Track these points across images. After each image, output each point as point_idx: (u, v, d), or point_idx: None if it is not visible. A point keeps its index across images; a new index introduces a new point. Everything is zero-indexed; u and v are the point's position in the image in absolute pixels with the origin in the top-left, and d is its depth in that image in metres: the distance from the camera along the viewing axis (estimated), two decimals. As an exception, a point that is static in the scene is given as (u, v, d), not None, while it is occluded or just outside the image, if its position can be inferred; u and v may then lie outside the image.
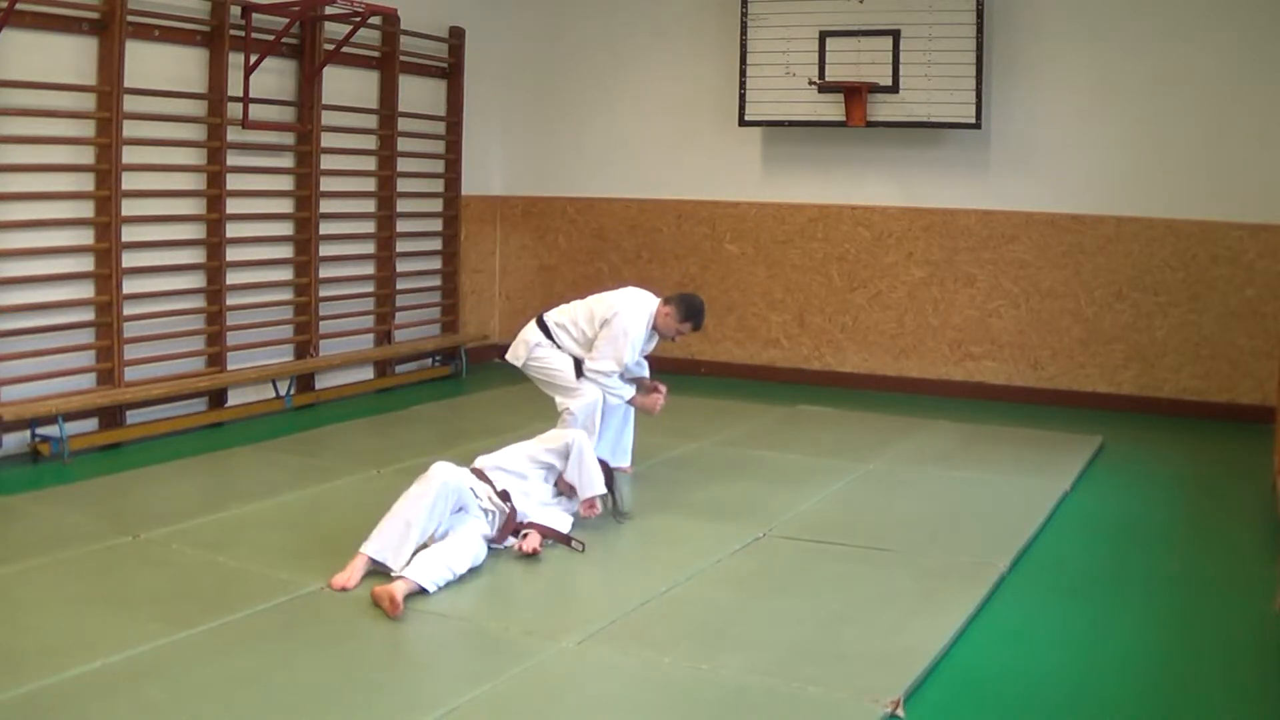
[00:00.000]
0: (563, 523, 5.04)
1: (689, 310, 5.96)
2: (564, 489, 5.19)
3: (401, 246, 8.87)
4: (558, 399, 5.97)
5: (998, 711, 3.65)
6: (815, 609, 4.36)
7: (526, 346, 6.03)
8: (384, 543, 4.46)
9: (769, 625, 4.21)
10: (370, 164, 8.59)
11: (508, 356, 6.19)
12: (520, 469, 5.08)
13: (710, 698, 3.62)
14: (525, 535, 4.86)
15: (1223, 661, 4.07)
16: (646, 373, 6.30)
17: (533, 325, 6.08)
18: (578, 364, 5.93)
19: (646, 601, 4.37)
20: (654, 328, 6.01)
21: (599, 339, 5.89)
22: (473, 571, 4.54)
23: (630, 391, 6.01)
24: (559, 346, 5.98)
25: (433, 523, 4.53)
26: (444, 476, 4.59)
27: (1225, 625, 4.40)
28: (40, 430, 6.31)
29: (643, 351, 6.15)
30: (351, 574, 4.41)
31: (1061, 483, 6.19)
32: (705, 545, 5.05)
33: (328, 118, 8.04)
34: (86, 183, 6.58)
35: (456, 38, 9.27)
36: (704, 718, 3.51)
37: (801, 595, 4.52)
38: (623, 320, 5.87)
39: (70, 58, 6.42)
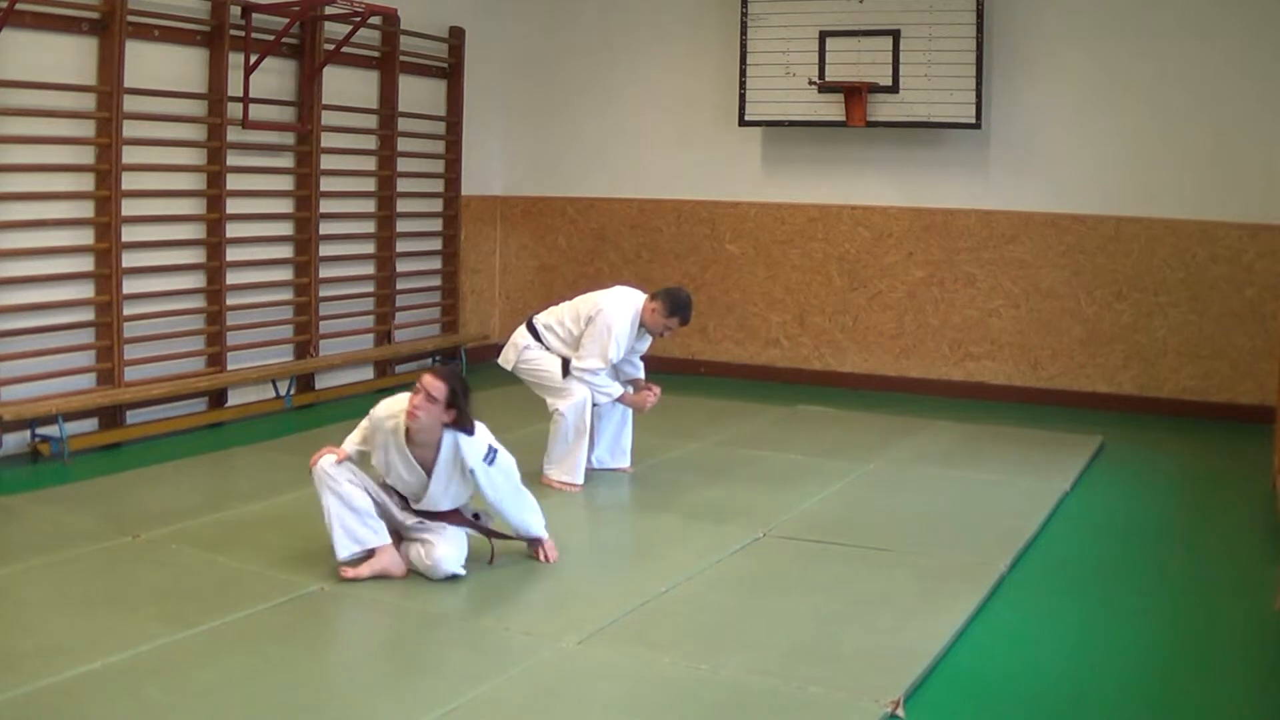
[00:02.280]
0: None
1: (675, 305, 5.95)
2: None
3: (401, 246, 8.87)
4: (548, 400, 5.98)
5: (998, 711, 3.65)
6: (815, 609, 4.36)
7: (516, 349, 6.04)
8: (347, 538, 4.41)
9: (769, 625, 4.21)
10: (370, 164, 8.59)
11: (499, 361, 6.20)
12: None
13: (710, 698, 3.62)
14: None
15: (1223, 661, 4.08)
16: (641, 373, 6.30)
17: (522, 328, 6.10)
18: (566, 364, 5.94)
19: (646, 601, 4.37)
20: (642, 324, 6.00)
21: (584, 337, 5.89)
22: (468, 568, 4.55)
23: (619, 389, 6.00)
24: (547, 348, 5.98)
25: (360, 493, 4.45)
26: (319, 471, 4.47)
27: (1225, 625, 4.40)
28: (40, 430, 6.31)
29: (635, 350, 6.15)
30: (360, 571, 4.43)
31: (1061, 483, 6.19)
32: (705, 545, 5.05)
33: (328, 118, 8.04)
34: (86, 183, 6.58)
35: (456, 38, 9.27)
36: (704, 718, 3.51)
37: (801, 595, 4.52)
38: (606, 317, 5.87)
39: (70, 58, 6.41)
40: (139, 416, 6.91)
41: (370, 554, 4.47)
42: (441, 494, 4.54)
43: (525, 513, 4.70)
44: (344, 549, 4.43)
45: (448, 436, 4.43)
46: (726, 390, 8.79)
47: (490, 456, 4.49)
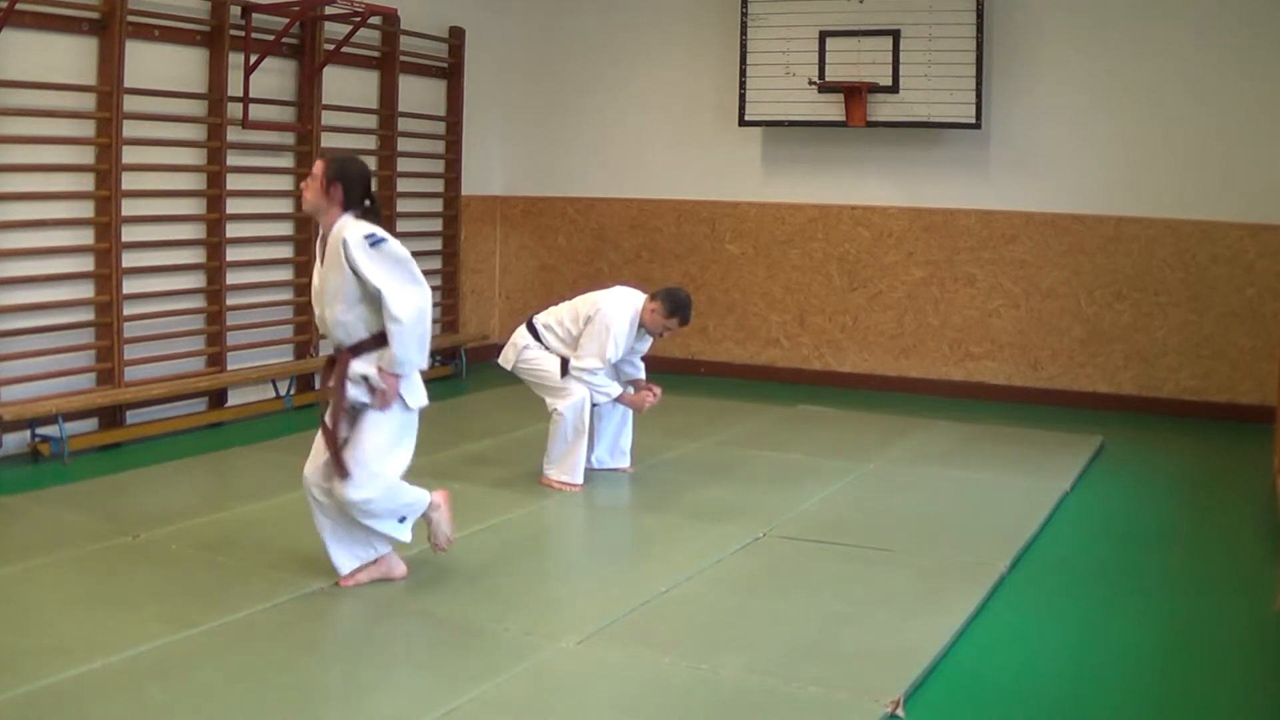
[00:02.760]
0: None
1: (675, 305, 5.95)
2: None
3: (401, 246, 8.86)
4: (547, 400, 5.98)
5: (998, 711, 3.65)
6: (815, 609, 4.36)
7: (516, 349, 6.05)
8: (346, 556, 4.38)
9: (769, 625, 4.21)
10: (370, 164, 8.56)
11: (499, 360, 6.20)
12: None
13: (710, 698, 3.61)
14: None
15: (1223, 661, 4.07)
16: (642, 373, 6.30)
17: (522, 328, 6.10)
18: (566, 364, 5.94)
19: (646, 601, 4.37)
20: (642, 325, 6.00)
21: (583, 336, 5.89)
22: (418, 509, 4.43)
23: (617, 389, 6.00)
24: (547, 348, 5.98)
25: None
26: (307, 483, 4.38)
27: (1225, 625, 4.40)
28: (40, 430, 6.31)
29: (635, 351, 6.15)
30: (359, 578, 4.42)
31: (1061, 483, 6.19)
32: (705, 545, 5.04)
33: (328, 118, 8.04)
34: (86, 183, 6.58)
35: (456, 38, 9.27)
36: (704, 718, 3.51)
37: (801, 595, 4.52)
38: (605, 316, 5.87)
39: (70, 58, 6.41)
40: (139, 416, 6.91)
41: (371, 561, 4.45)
42: (331, 290, 4.17)
43: (412, 327, 4.15)
44: (345, 566, 4.39)
45: (339, 220, 4.19)
46: (726, 390, 8.79)
47: (374, 239, 4.12)
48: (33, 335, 6.33)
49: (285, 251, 7.92)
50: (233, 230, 7.39)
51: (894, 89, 8.47)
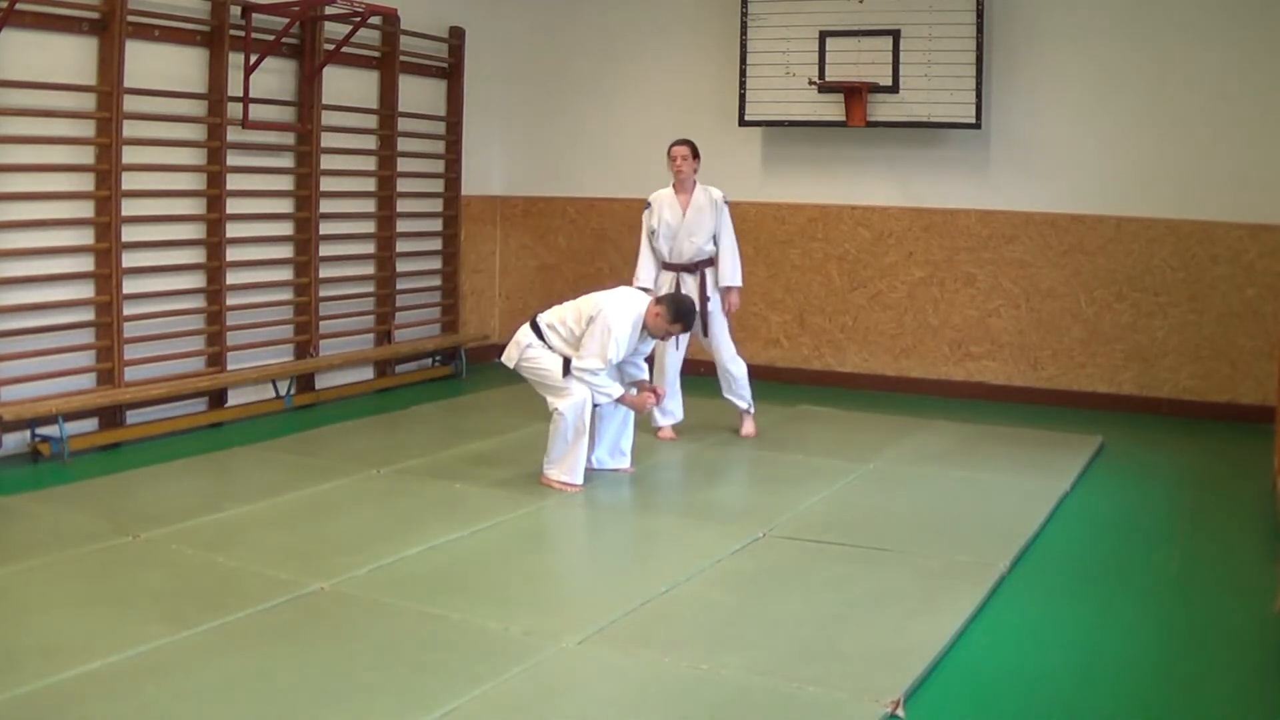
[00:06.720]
0: None
1: (679, 311, 5.96)
2: None
3: (401, 246, 8.87)
4: (548, 399, 5.98)
5: (998, 711, 3.65)
6: (815, 609, 4.36)
7: (519, 348, 6.05)
8: None
9: (769, 625, 4.21)
10: (370, 164, 8.59)
11: (502, 358, 6.21)
12: None
13: (710, 698, 3.61)
14: None
15: (1223, 661, 4.07)
16: (645, 374, 6.30)
17: (526, 327, 6.11)
18: (568, 363, 5.94)
19: (646, 601, 4.37)
20: (645, 327, 6.00)
21: (584, 336, 5.90)
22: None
23: (618, 390, 6.00)
24: (550, 347, 5.99)
25: None
26: None
27: (1225, 625, 4.40)
28: (40, 430, 6.31)
29: (639, 352, 6.15)
30: None
31: (1061, 483, 6.19)
32: (705, 545, 5.04)
33: (328, 118, 8.04)
34: (86, 183, 6.58)
35: (456, 38, 9.27)
36: (704, 718, 3.51)
37: (801, 595, 4.52)
38: (607, 317, 5.87)
39: (70, 58, 6.42)
40: (139, 416, 6.91)
41: None
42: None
43: None
44: None
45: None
46: (726, 390, 8.77)
47: None
48: (33, 335, 6.33)
49: (285, 251, 7.92)
50: (233, 230, 7.39)
51: (894, 89, 8.47)
